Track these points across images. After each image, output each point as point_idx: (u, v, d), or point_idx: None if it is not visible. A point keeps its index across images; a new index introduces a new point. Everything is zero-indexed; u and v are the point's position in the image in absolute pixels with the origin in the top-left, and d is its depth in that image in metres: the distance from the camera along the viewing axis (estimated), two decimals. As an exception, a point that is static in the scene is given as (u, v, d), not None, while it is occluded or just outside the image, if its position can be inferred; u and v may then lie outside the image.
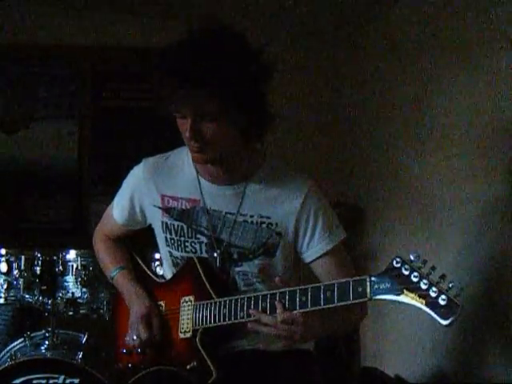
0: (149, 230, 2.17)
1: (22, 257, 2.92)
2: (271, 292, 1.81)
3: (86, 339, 2.90)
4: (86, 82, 4.11)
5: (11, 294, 2.92)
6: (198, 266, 1.99)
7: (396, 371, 3.26)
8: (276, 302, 1.77)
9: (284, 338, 1.80)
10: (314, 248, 1.99)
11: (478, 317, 2.60)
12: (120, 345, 2.12)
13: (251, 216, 1.98)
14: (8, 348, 2.91)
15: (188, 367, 1.91)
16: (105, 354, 2.82)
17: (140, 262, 2.24)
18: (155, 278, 2.19)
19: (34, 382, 2.63)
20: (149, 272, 2.21)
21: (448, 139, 2.95)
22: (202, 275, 1.97)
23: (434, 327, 2.97)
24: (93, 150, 4.08)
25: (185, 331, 1.96)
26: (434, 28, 3.08)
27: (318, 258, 1.99)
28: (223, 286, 1.99)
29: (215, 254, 2.00)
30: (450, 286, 1.56)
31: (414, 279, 1.57)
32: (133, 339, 2.01)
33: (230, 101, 1.78)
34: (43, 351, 2.83)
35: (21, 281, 2.91)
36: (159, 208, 2.06)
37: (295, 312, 1.75)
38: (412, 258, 1.61)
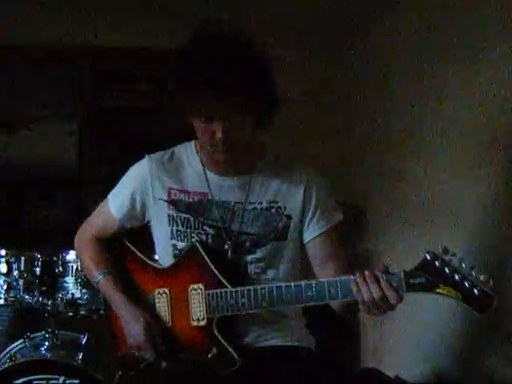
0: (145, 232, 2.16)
1: (22, 257, 2.92)
2: (296, 283, 1.84)
3: (86, 340, 2.90)
4: (85, 82, 4.11)
5: (11, 295, 2.92)
6: (203, 252, 1.99)
7: (396, 371, 3.26)
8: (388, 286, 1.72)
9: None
10: (314, 227, 2.04)
11: (478, 318, 2.60)
12: (121, 332, 2.09)
13: (260, 203, 2.02)
14: (8, 349, 2.91)
15: (209, 356, 1.92)
16: (105, 354, 2.83)
17: (135, 250, 2.19)
18: (155, 264, 2.14)
19: (34, 382, 2.64)
20: (146, 259, 2.17)
21: (448, 140, 2.95)
22: (209, 262, 1.98)
23: (434, 327, 2.98)
24: (93, 150, 4.08)
25: (198, 319, 1.96)
26: (434, 28, 3.08)
27: (315, 237, 2.04)
28: (234, 274, 1.99)
29: (226, 246, 2.02)
30: (482, 277, 1.61)
31: (448, 273, 1.59)
32: (139, 355, 2.02)
33: (259, 102, 1.86)
34: (43, 352, 2.83)
35: (21, 282, 2.90)
36: (165, 201, 2.06)
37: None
38: (441, 251, 1.62)
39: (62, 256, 2.93)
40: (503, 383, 2.54)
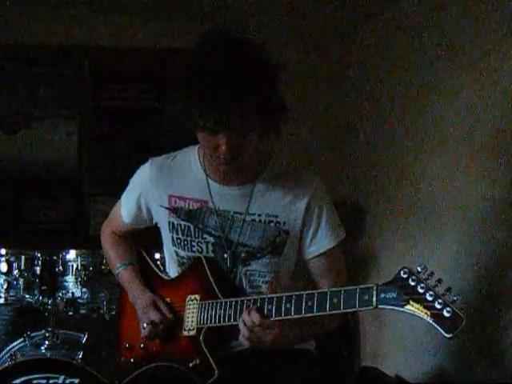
0: (153, 230, 2.17)
1: (22, 257, 2.93)
2: (278, 295, 1.83)
3: (86, 339, 2.91)
4: (85, 82, 4.11)
5: (11, 294, 2.94)
6: (206, 266, 2.01)
7: (396, 371, 3.26)
8: (253, 309, 1.81)
9: (252, 342, 1.83)
10: (316, 245, 2.02)
11: (478, 317, 2.60)
12: (123, 339, 2.14)
13: (259, 215, 2.00)
14: (8, 348, 2.92)
15: (191, 365, 1.93)
16: (105, 353, 2.84)
17: (148, 258, 2.25)
18: (162, 275, 2.19)
19: (34, 382, 2.64)
20: (156, 269, 2.22)
21: (448, 141, 2.95)
22: (209, 275, 1.99)
23: (434, 327, 2.97)
24: (92, 151, 4.09)
25: (189, 329, 1.98)
26: (434, 30, 3.08)
27: (317, 256, 2.03)
28: (230, 287, 2.01)
29: (225, 255, 2.02)
30: (455, 298, 1.58)
31: (420, 290, 1.60)
32: (143, 327, 2.02)
33: (263, 113, 1.83)
34: (43, 351, 2.85)
35: (21, 281, 2.92)
36: (166, 208, 2.06)
37: (272, 319, 1.80)
38: (419, 269, 1.63)
39: (62, 255, 2.95)
40: (502, 383, 2.54)
